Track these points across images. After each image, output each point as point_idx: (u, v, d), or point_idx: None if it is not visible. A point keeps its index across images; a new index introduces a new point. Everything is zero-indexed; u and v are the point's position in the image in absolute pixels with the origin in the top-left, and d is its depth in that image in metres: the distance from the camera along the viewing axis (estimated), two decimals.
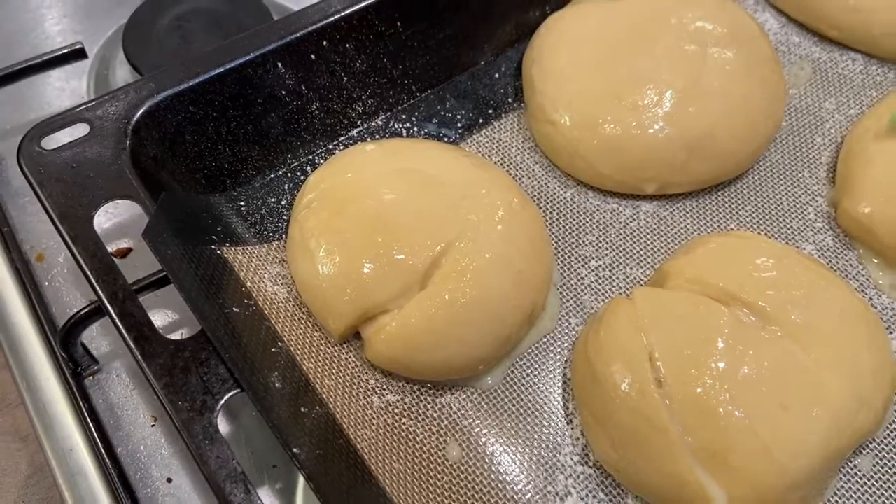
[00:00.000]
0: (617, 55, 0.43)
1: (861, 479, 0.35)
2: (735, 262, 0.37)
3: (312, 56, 0.41)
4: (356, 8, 0.41)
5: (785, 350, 0.34)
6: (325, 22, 0.41)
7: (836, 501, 0.34)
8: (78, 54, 0.46)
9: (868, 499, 0.34)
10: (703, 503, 0.32)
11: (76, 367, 0.39)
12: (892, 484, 0.35)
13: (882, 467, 0.35)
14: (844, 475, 0.35)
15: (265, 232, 0.40)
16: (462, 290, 0.35)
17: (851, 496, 0.35)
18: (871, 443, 0.36)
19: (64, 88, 0.50)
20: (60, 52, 0.46)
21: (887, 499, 0.35)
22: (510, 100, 0.46)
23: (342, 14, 0.41)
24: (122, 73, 0.50)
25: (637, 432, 0.33)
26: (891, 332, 0.39)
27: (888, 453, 0.36)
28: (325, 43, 0.41)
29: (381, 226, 0.36)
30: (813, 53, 0.49)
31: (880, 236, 0.40)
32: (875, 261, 0.41)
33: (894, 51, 0.48)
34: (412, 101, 0.45)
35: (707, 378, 0.33)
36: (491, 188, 0.39)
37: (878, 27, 0.47)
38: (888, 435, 0.36)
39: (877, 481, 0.35)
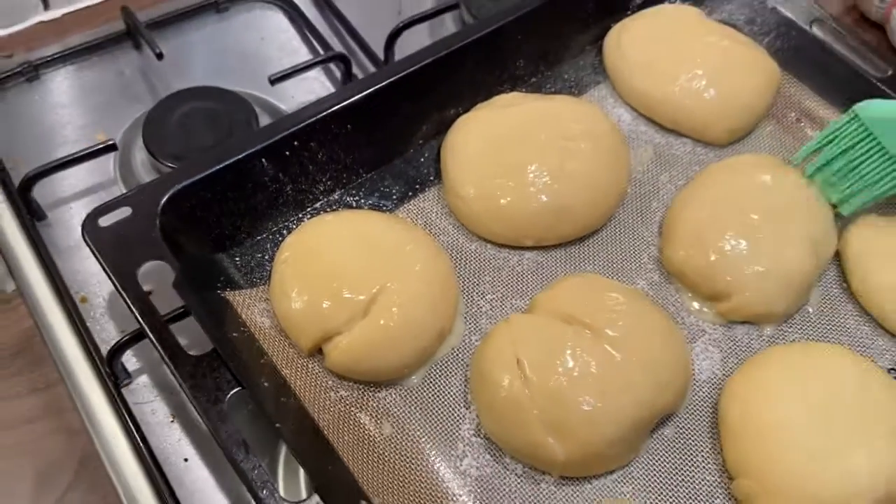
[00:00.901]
0: (507, 147, 0.60)
1: (666, 441, 0.51)
2: (580, 294, 0.53)
3: (287, 152, 0.57)
4: (318, 117, 0.57)
5: (608, 355, 0.49)
6: (295, 128, 0.57)
7: (649, 456, 0.51)
8: (111, 148, 0.62)
9: (669, 457, 0.51)
10: (551, 457, 0.48)
11: (116, 380, 0.54)
12: (688, 447, 0.51)
13: (681, 434, 0.52)
14: (654, 439, 0.51)
15: (254, 279, 0.55)
16: (392, 317, 0.51)
17: (658, 453, 0.51)
18: (674, 417, 0.52)
19: (95, 169, 0.66)
20: (98, 147, 0.61)
21: (684, 456, 0.51)
22: (432, 178, 0.62)
23: (308, 122, 0.57)
24: (141, 157, 0.66)
25: (509, 413, 0.49)
26: (694, 342, 0.56)
27: (684, 425, 0.52)
28: (295, 143, 0.57)
29: (336, 274, 0.52)
30: (655, 139, 0.66)
31: (689, 275, 0.57)
32: (687, 292, 0.58)
33: (712, 138, 0.65)
34: (360, 180, 0.61)
35: (555, 375, 0.48)
36: (414, 244, 0.55)
37: (699, 121, 0.65)
38: (685, 413, 0.53)
39: (677, 444, 0.51)
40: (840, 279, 0.59)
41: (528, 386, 0.48)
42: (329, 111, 0.58)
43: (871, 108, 0.57)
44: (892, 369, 0.55)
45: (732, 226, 0.57)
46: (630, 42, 0.68)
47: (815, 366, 0.51)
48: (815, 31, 0.69)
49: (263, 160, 0.56)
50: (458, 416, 0.52)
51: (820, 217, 0.59)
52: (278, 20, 0.81)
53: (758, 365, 0.52)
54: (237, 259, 0.56)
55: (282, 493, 0.44)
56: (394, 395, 0.52)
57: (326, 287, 0.51)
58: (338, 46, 0.78)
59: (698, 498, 0.49)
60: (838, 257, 0.60)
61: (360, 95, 0.59)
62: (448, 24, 0.80)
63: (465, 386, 0.53)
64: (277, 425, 0.45)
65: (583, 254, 0.60)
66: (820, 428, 0.48)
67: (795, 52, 0.69)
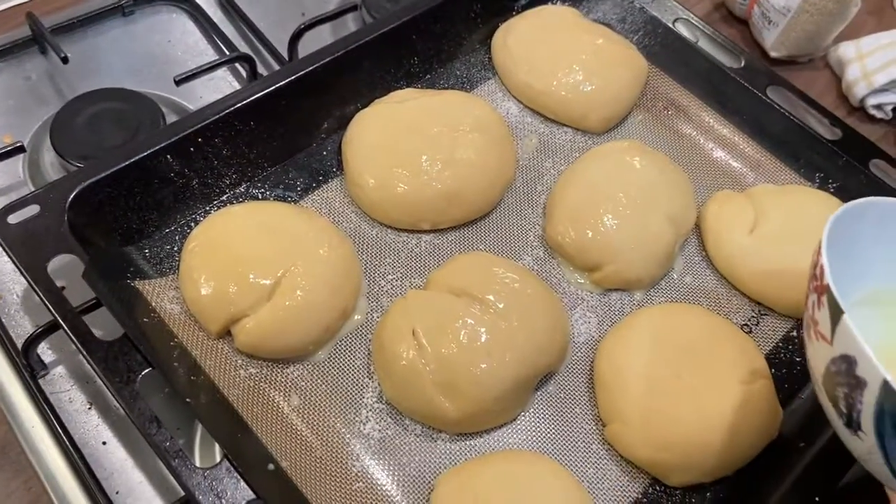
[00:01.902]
0: (403, 139, 0.65)
1: (549, 397, 0.58)
2: (470, 271, 0.59)
3: (192, 149, 0.60)
4: (220, 115, 0.61)
5: (493, 323, 0.55)
6: (198, 126, 0.60)
7: (534, 411, 0.57)
8: (18, 150, 0.63)
9: (552, 410, 0.57)
10: (445, 416, 0.53)
11: (32, 371, 0.56)
12: (568, 400, 0.58)
13: (561, 390, 0.58)
14: (538, 396, 0.58)
15: (164, 269, 0.58)
16: (296, 299, 0.55)
17: (542, 408, 0.57)
18: (555, 375, 0.59)
19: (4, 171, 0.67)
20: (5, 149, 0.63)
21: (565, 409, 0.57)
22: (334, 170, 0.67)
23: (210, 119, 0.61)
24: (49, 158, 0.68)
25: (407, 379, 0.54)
26: (574, 309, 0.63)
27: (565, 382, 0.59)
28: (199, 139, 0.60)
29: (241, 261, 0.55)
30: (539, 129, 0.73)
31: (567, 250, 0.63)
32: (567, 265, 0.65)
33: (590, 127, 0.72)
34: (265, 173, 0.65)
35: (446, 342, 0.54)
36: (317, 232, 0.59)
37: (577, 112, 0.72)
38: (565, 371, 0.59)
39: (559, 399, 0.57)
40: (700, 248, 0.67)
41: (422, 354, 0.54)
42: (231, 109, 0.62)
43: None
44: (744, 325, 0.63)
45: (604, 205, 0.63)
46: (515, 40, 0.74)
47: (674, 323, 0.59)
48: (679, 28, 0.76)
49: (168, 157, 0.59)
50: (361, 385, 0.56)
51: (680, 194, 0.66)
52: (184, 23, 0.83)
53: (625, 326, 0.59)
54: (146, 251, 0.59)
55: (198, 463, 0.48)
56: (301, 370, 0.56)
57: (232, 273, 0.55)
58: (243, 47, 0.81)
59: (577, 444, 0.56)
60: (698, 228, 0.67)
61: (261, 94, 0.63)
62: (349, 25, 0.84)
63: (369, 358, 0.57)
64: (188, 400, 0.49)
65: (475, 235, 0.65)
66: (674, 375, 0.55)
67: (661, 47, 0.76)
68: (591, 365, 0.59)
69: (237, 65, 0.79)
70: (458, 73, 0.75)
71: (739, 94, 0.72)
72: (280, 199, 0.64)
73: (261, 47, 0.81)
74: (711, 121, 0.74)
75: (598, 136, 0.73)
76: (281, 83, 0.64)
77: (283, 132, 0.65)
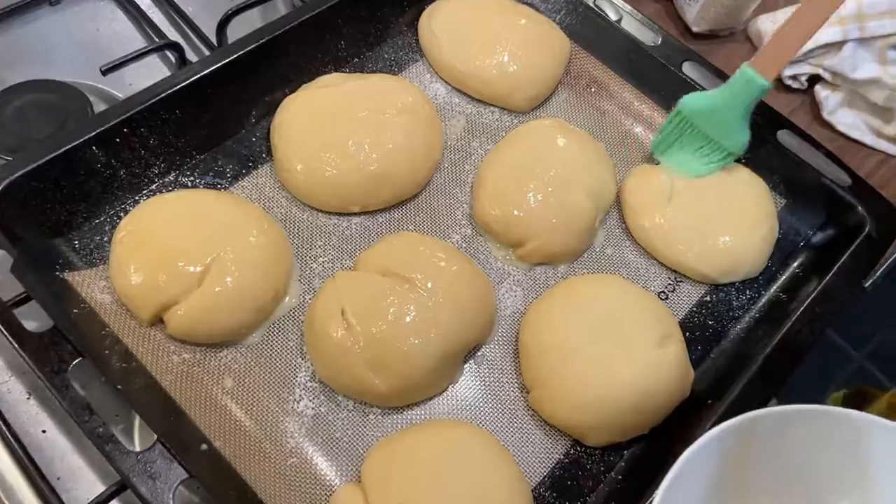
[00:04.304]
0: (330, 123, 0.66)
1: (476, 368, 0.60)
2: (397, 251, 0.61)
3: (117, 139, 0.61)
4: (146, 105, 0.62)
5: (420, 300, 0.58)
6: (124, 116, 0.61)
7: (463, 382, 0.60)
8: None
9: (480, 381, 0.60)
10: (374, 391, 0.56)
11: None
12: (495, 371, 0.61)
13: (489, 361, 0.61)
14: (467, 368, 0.60)
15: (94, 260, 0.59)
16: (226, 285, 0.56)
17: (471, 379, 0.60)
18: (483, 347, 0.62)
19: None
20: None
21: (492, 379, 0.60)
22: (265, 155, 0.68)
23: (137, 109, 0.61)
24: None
25: (336, 356, 0.56)
26: (501, 283, 0.65)
27: (492, 354, 0.61)
28: (125, 129, 0.61)
29: (170, 248, 0.57)
30: (467, 109, 0.75)
31: (493, 227, 0.66)
32: (493, 242, 0.67)
33: (515, 106, 0.74)
34: (194, 161, 0.66)
35: (374, 320, 0.56)
36: (247, 218, 0.61)
37: (502, 91, 0.74)
38: (493, 344, 0.62)
39: (486, 370, 0.60)
40: (621, 220, 0.70)
41: (351, 333, 0.56)
42: (156, 98, 0.62)
43: (689, 102, 0.68)
44: (661, 292, 0.67)
45: (527, 182, 0.66)
46: (440, 22, 0.76)
47: (593, 293, 0.62)
48: (599, 5, 0.79)
49: (94, 148, 0.60)
50: (294, 366, 0.58)
51: (600, 170, 0.69)
52: (112, 11, 0.83)
53: (546, 298, 0.62)
54: (76, 242, 0.60)
55: (138, 447, 0.49)
56: (234, 354, 0.58)
57: (161, 261, 0.56)
58: (173, 34, 0.81)
59: (503, 411, 0.59)
60: (619, 202, 0.71)
61: (186, 82, 0.64)
62: (279, 8, 0.84)
63: (301, 340, 0.60)
64: (119, 387, 0.51)
65: (404, 216, 0.67)
66: (591, 342, 0.58)
67: (583, 26, 0.79)
68: (517, 336, 0.62)
69: (167, 52, 0.79)
70: (386, 56, 0.76)
71: (657, 70, 0.75)
72: (210, 186, 0.65)
73: (190, 34, 0.81)
74: (631, 97, 0.76)
75: (524, 114, 0.75)
76: (206, 70, 0.65)
77: (212, 120, 0.66)
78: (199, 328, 0.56)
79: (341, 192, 0.65)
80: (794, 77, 0.86)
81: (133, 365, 0.54)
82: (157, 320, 0.57)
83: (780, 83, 0.87)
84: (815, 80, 0.85)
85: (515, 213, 0.65)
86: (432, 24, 0.75)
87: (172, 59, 0.78)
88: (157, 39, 0.79)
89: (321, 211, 0.66)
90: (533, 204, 0.65)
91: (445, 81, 0.76)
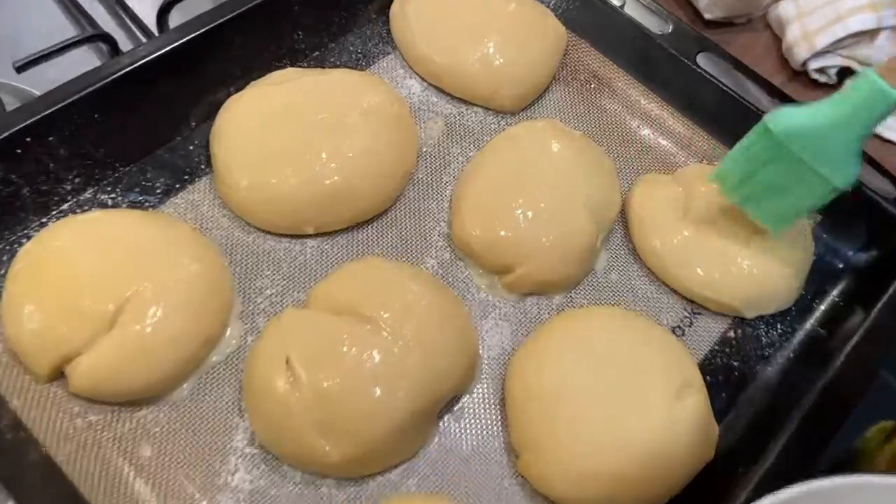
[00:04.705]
0: (281, 127, 0.56)
1: (454, 426, 0.50)
2: (357, 282, 0.50)
3: (18, 150, 0.50)
4: (54, 109, 0.51)
5: (384, 345, 0.47)
6: (26, 123, 0.50)
7: (437, 445, 0.49)
8: None
9: (457, 442, 0.49)
10: (325, 460, 0.45)
11: None
12: (478, 429, 0.50)
13: (470, 416, 0.50)
14: (443, 425, 0.50)
15: None
16: (143, 328, 0.46)
17: (447, 440, 0.49)
18: (463, 399, 0.51)
19: None
20: None
21: (473, 439, 0.50)
22: (203, 167, 0.57)
23: (42, 115, 0.50)
24: None
25: (278, 416, 0.45)
26: (485, 318, 0.55)
27: (474, 406, 0.51)
28: (28, 139, 0.50)
29: (73, 286, 0.46)
30: (446, 109, 0.64)
31: (475, 250, 0.55)
32: (476, 268, 0.57)
33: (502, 106, 0.64)
34: (116, 175, 0.55)
35: (326, 372, 0.46)
36: (175, 244, 0.50)
37: (487, 88, 0.63)
38: (475, 393, 0.51)
39: (466, 427, 0.50)
40: (627, 239, 0.60)
41: (297, 387, 0.45)
42: (68, 101, 0.51)
43: (782, 120, 0.49)
44: (676, 327, 0.56)
45: (514, 197, 0.55)
46: (415, 9, 0.65)
47: (594, 332, 0.51)
48: None
49: None
50: (230, 426, 0.48)
51: (602, 180, 0.58)
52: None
53: (539, 337, 0.52)
54: None
55: None
56: (156, 413, 0.47)
57: (64, 300, 0.45)
58: (109, 24, 0.70)
59: (487, 480, 0.48)
60: (624, 217, 0.60)
61: (108, 80, 0.53)
62: None
63: (240, 394, 0.49)
64: None
65: (369, 237, 0.57)
66: (593, 393, 0.48)
67: (581, 13, 0.68)
68: (504, 383, 0.52)
69: (100, 45, 0.68)
70: (352, 48, 0.65)
71: (667, 63, 0.64)
72: (135, 205, 0.54)
73: (130, 24, 0.70)
74: (637, 94, 0.66)
75: (512, 115, 0.64)
76: (135, 65, 0.54)
77: (140, 124, 0.55)
78: (109, 383, 0.45)
79: (293, 209, 0.54)
80: (822, 70, 0.76)
81: (22, 435, 0.43)
82: (58, 375, 0.46)
83: (804, 78, 0.77)
84: (845, 73, 0.75)
85: (502, 233, 0.54)
86: (406, 11, 0.65)
87: (107, 52, 0.67)
88: (91, 31, 0.68)
89: (269, 233, 0.55)
90: (522, 222, 0.54)
91: (421, 77, 0.65)
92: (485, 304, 0.55)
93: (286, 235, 0.55)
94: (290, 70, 0.60)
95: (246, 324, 0.52)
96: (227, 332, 0.51)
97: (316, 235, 0.56)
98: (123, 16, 0.71)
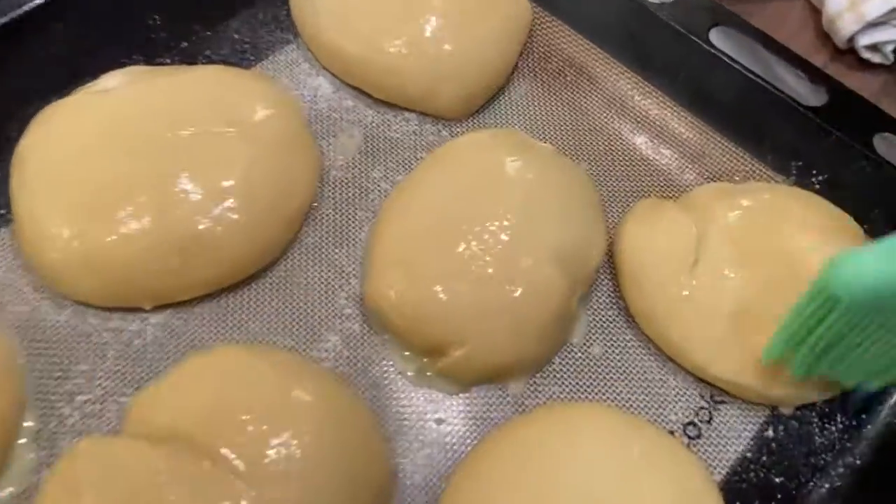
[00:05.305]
0: (111, 154, 0.39)
1: None
2: (193, 391, 0.33)
3: None
4: None
5: (231, 492, 0.31)
6: None
7: None
8: None
9: None
10: None
11: None
12: None
13: None
14: None
15: None
16: None
17: None
18: None
19: None
20: None
21: None
22: (3, 211, 0.41)
23: None
24: None
25: None
26: (410, 427, 0.38)
27: None
28: None
29: None
30: (366, 117, 0.47)
31: (394, 320, 0.38)
32: (398, 346, 0.39)
33: (443, 110, 0.47)
34: None
35: None
36: None
37: (422, 87, 0.46)
38: None
39: None
40: (615, 293, 0.42)
41: None
42: None
43: (856, 285, 0.31)
44: (689, 425, 0.39)
45: (452, 242, 0.38)
46: None
47: (567, 444, 0.34)
48: None
49: None
50: None
51: (578, 214, 0.41)
52: None
53: (485, 451, 0.35)
54: None
55: None
56: None
57: None
58: None
59: None
60: (611, 261, 0.43)
61: None
62: None
63: None
64: None
65: (242, 306, 0.40)
66: None
67: None
68: None
69: None
70: (235, 36, 0.48)
71: (670, 43, 0.46)
72: None
73: None
74: (629, 87, 0.49)
75: (458, 123, 0.47)
76: None
77: None
78: None
79: (114, 275, 0.37)
80: (875, 48, 0.58)
81: None
82: None
83: (851, 57, 0.59)
84: None
85: (434, 295, 0.37)
86: None
87: None
88: None
89: (94, 306, 0.38)
90: (463, 279, 0.37)
91: (332, 74, 0.48)
92: (409, 400, 0.38)
93: (118, 309, 0.38)
94: (135, 69, 0.43)
95: (42, 449, 0.35)
96: (12, 466, 0.34)
97: (166, 306, 0.39)
98: None
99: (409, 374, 0.39)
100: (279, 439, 0.32)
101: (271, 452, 0.32)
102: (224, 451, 0.31)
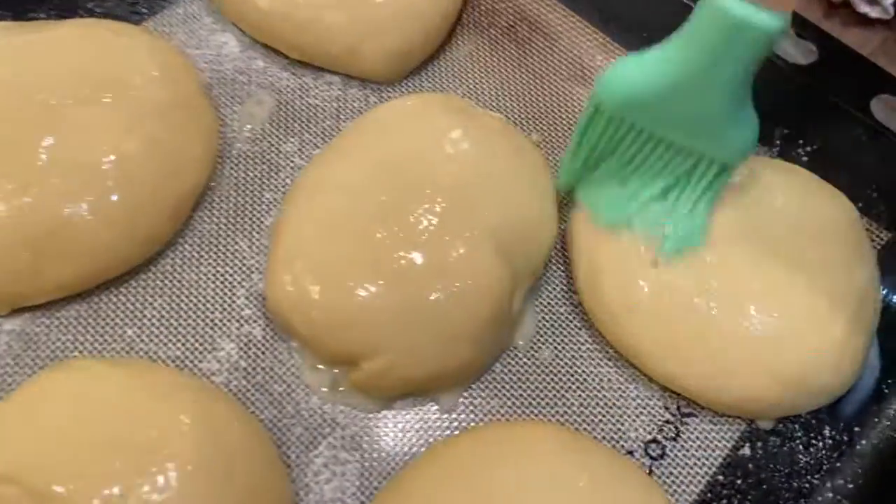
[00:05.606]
0: None
1: None
2: (34, 419, 0.27)
3: None
4: None
5: None
6: None
7: None
8: None
9: None
10: None
11: None
12: None
13: None
14: None
15: None
16: None
17: None
18: None
19: None
20: None
21: None
22: None
23: None
24: None
25: None
26: (317, 446, 0.32)
27: None
28: None
29: None
30: (279, 80, 0.40)
31: (298, 324, 0.32)
32: (306, 354, 0.33)
33: (370, 71, 0.40)
34: None
35: None
36: None
37: (344, 42, 0.39)
38: None
39: None
40: (568, 288, 0.36)
41: None
42: None
43: (612, 84, 0.32)
44: (651, 443, 0.33)
45: (370, 230, 0.32)
46: None
47: (492, 481, 0.28)
48: None
49: None
50: None
51: (524, 194, 0.34)
52: None
53: (396, 495, 0.29)
54: None
55: None
56: None
57: None
58: None
59: None
60: (564, 251, 0.37)
61: None
62: None
63: None
64: None
65: (125, 305, 0.33)
66: None
67: None
68: None
69: None
70: None
71: None
72: None
73: None
74: (593, 46, 0.43)
75: (388, 87, 0.41)
76: None
77: None
78: None
79: None
80: (873, 0, 0.51)
81: None
82: None
83: (846, 12, 0.53)
84: None
85: (346, 294, 0.31)
86: None
87: None
88: None
89: None
90: (382, 274, 0.31)
91: (241, 30, 0.41)
92: (318, 419, 0.32)
93: None
94: None
95: None
96: None
97: (22, 309, 0.33)
98: None
99: (320, 389, 0.33)
100: (141, 479, 0.26)
101: (133, 495, 0.26)
102: (61, 493, 0.25)
